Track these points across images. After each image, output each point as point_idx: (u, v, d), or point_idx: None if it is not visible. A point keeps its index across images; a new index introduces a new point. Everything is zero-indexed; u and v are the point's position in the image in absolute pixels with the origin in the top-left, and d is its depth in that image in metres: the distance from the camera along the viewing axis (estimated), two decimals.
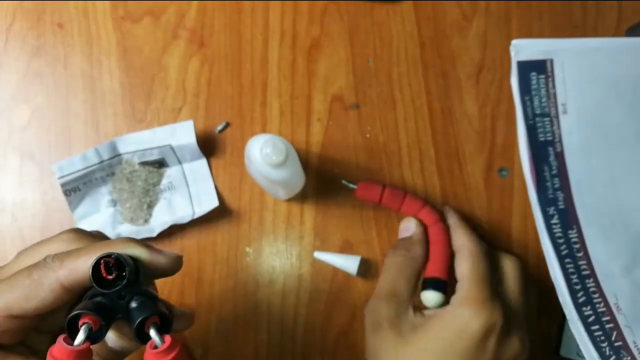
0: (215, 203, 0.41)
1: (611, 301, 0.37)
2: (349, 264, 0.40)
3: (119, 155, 0.41)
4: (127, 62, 0.43)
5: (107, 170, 0.41)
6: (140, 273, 0.23)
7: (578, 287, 0.37)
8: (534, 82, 0.38)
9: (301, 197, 0.42)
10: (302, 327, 0.41)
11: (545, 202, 0.38)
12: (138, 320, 0.21)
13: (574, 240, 0.37)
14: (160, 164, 0.42)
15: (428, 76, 0.44)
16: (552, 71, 0.39)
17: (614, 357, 0.36)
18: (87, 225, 0.41)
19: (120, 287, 0.22)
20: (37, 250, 0.25)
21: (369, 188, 0.40)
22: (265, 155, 0.33)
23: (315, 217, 0.42)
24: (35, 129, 0.43)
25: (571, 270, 0.37)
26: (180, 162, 0.42)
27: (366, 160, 0.43)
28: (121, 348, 0.24)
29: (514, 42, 0.38)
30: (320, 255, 0.41)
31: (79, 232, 0.26)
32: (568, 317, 0.36)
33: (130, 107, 0.43)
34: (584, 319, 0.36)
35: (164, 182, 0.42)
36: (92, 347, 0.21)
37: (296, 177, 0.36)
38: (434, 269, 0.39)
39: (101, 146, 0.40)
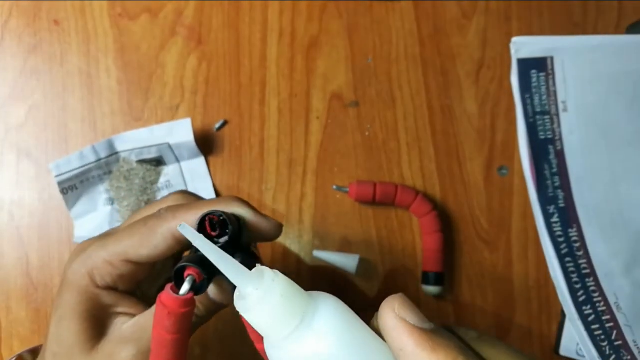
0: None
1: (611, 300, 0.36)
2: (348, 262, 0.40)
3: (117, 153, 0.41)
4: (124, 59, 0.43)
5: (104, 168, 0.41)
6: (243, 232, 0.24)
7: (578, 286, 0.37)
8: (534, 80, 0.38)
9: (300, 196, 0.42)
10: None
11: (545, 200, 0.37)
12: None
13: (574, 239, 0.37)
14: (158, 162, 0.42)
15: (428, 74, 0.44)
16: (553, 69, 0.39)
17: (614, 356, 0.35)
18: (85, 224, 0.41)
19: (222, 245, 0.23)
20: (150, 209, 0.27)
21: (361, 188, 0.40)
22: None
23: (314, 216, 0.42)
24: (32, 127, 0.42)
25: (571, 269, 0.37)
26: (178, 161, 0.42)
27: (365, 158, 0.43)
28: (221, 301, 0.26)
29: (514, 39, 0.38)
30: (319, 254, 0.41)
31: (187, 193, 0.28)
32: (568, 316, 0.36)
33: (128, 105, 0.43)
34: (584, 318, 0.36)
35: (162, 180, 0.42)
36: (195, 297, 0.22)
37: None
38: (430, 263, 0.40)
39: (98, 144, 0.40)
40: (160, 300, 0.21)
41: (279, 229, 0.26)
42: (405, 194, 0.41)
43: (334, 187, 0.42)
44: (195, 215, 0.24)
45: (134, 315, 0.26)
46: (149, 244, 0.24)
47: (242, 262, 0.22)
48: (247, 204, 0.25)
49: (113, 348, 0.25)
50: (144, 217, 0.25)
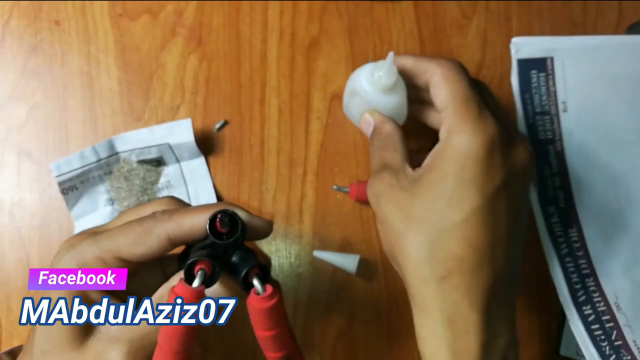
0: (213, 202, 0.41)
1: (611, 300, 0.37)
2: (348, 262, 0.40)
3: (117, 153, 0.41)
4: (125, 60, 0.43)
5: (104, 168, 0.41)
6: (245, 230, 0.26)
7: (578, 286, 0.37)
8: (534, 80, 0.38)
9: (300, 196, 0.42)
10: (301, 326, 0.41)
11: (545, 200, 0.37)
12: (245, 270, 0.24)
13: (574, 239, 0.37)
14: (158, 162, 0.42)
15: None
16: (553, 69, 0.39)
17: (614, 356, 0.35)
18: (85, 225, 0.41)
19: (234, 239, 0.25)
20: (139, 210, 0.28)
21: (361, 188, 0.40)
22: (376, 80, 0.32)
23: (314, 216, 0.42)
24: (32, 128, 0.43)
25: (571, 269, 0.37)
26: (178, 161, 0.42)
27: (366, 158, 0.43)
28: (227, 295, 0.27)
29: (514, 40, 0.38)
30: (319, 254, 0.41)
31: (176, 199, 0.29)
32: (568, 316, 0.36)
33: (128, 105, 0.43)
34: (584, 318, 0.36)
35: (162, 180, 0.42)
36: None
37: (404, 106, 0.34)
38: None
39: (99, 144, 0.40)
40: (174, 292, 0.23)
41: (270, 226, 0.27)
42: None
43: (334, 187, 0.42)
44: (191, 219, 0.25)
45: None
46: (144, 243, 0.25)
47: (244, 258, 0.25)
48: (239, 206, 0.26)
49: (103, 347, 0.25)
50: (139, 218, 0.26)
